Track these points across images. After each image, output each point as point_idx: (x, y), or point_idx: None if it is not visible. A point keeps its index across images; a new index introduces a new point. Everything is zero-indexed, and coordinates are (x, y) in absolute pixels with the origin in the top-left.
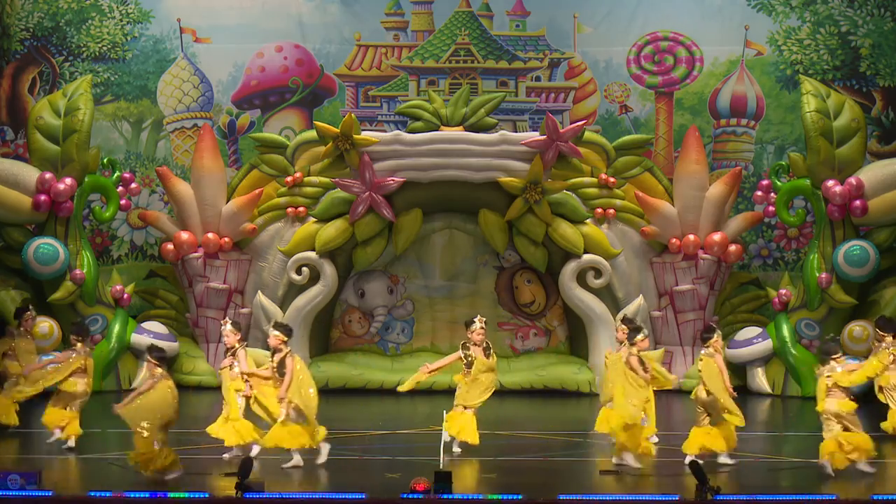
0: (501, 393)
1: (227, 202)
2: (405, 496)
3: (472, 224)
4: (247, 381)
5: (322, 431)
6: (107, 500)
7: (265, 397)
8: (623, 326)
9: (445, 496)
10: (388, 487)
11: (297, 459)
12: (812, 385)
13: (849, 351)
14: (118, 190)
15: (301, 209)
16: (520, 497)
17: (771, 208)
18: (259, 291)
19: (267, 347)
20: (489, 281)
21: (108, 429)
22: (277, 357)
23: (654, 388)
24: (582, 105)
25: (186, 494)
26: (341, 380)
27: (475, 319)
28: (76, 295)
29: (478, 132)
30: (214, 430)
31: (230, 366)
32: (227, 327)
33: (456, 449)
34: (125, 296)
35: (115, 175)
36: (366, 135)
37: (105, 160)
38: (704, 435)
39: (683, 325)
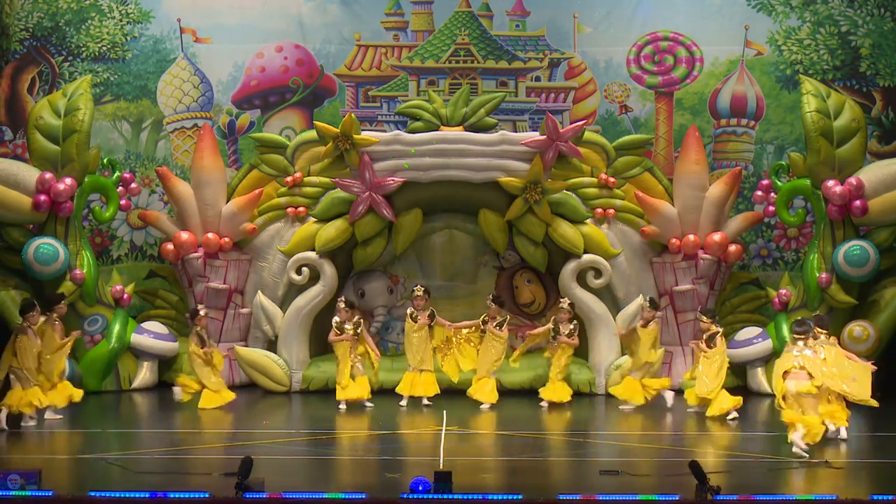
0: (501, 393)
1: (227, 202)
2: (405, 496)
3: (472, 224)
4: None
5: None
6: (107, 500)
7: None
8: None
9: (445, 496)
10: (388, 487)
11: None
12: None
13: (849, 351)
14: (118, 190)
15: (301, 209)
16: (520, 497)
17: (771, 208)
18: (259, 291)
19: (267, 347)
20: (489, 281)
21: (108, 429)
22: None
23: None
24: (582, 105)
25: (186, 494)
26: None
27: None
28: (76, 295)
29: (478, 132)
30: None
31: None
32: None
33: None
34: (125, 296)
35: (115, 175)
36: (366, 135)
37: (105, 160)
38: None
39: (683, 325)
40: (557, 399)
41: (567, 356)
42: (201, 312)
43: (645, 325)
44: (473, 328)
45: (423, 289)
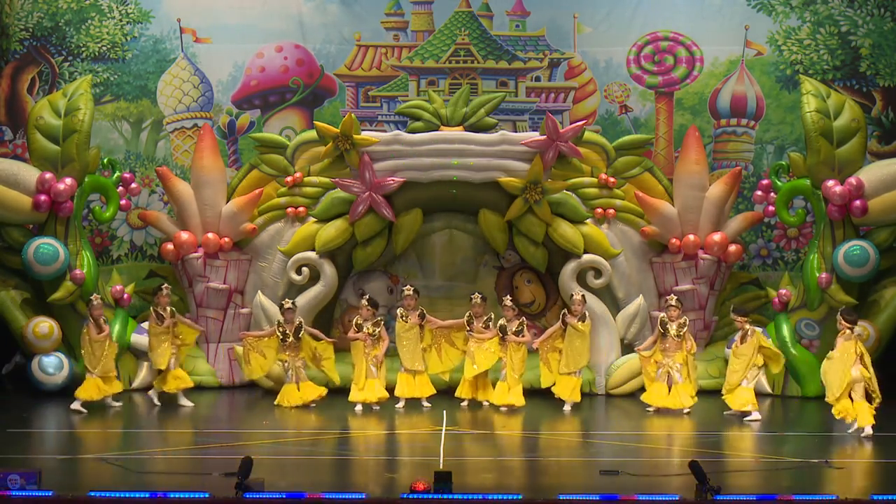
0: None
1: (227, 202)
2: (405, 496)
3: (472, 224)
4: None
5: None
6: (107, 500)
7: None
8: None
9: (445, 496)
10: (388, 487)
11: None
12: (812, 385)
13: None
14: (118, 190)
15: (301, 209)
16: (520, 497)
17: (771, 208)
18: (259, 291)
19: None
20: (489, 281)
21: (108, 429)
22: None
23: None
24: (582, 105)
25: (186, 494)
26: (342, 380)
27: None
28: (76, 295)
29: (478, 132)
30: None
31: None
32: None
33: None
34: (125, 296)
35: (115, 175)
36: (366, 135)
37: (105, 160)
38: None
39: None
40: (516, 403)
41: (520, 356)
42: (287, 306)
43: (583, 320)
44: (458, 328)
45: (412, 289)
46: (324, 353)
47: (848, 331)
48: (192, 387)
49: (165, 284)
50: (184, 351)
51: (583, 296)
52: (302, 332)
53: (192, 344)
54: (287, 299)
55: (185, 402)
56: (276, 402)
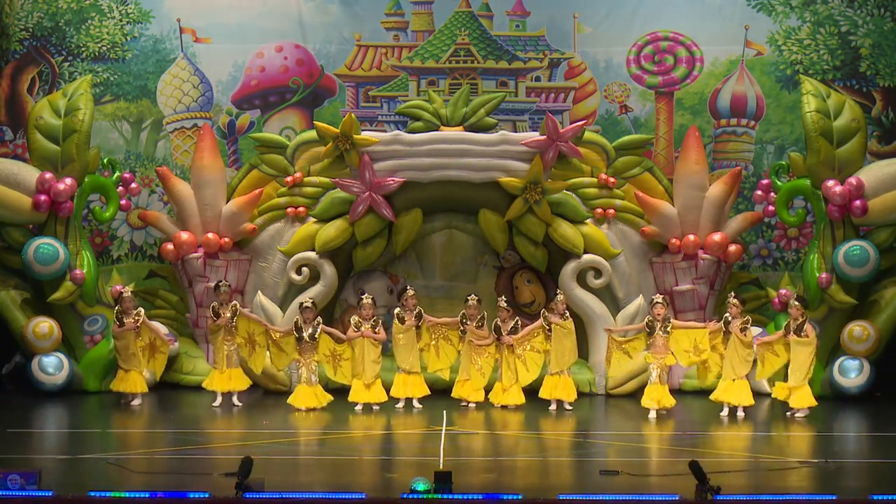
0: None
1: (227, 202)
2: (405, 496)
3: (472, 224)
4: None
5: None
6: (107, 500)
7: None
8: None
9: (445, 496)
10: (388, 487)
11: None
12: (812, 386)
13: (849, 351)
14: (118, 190)
15: (301, 209)
16: (520, 497)
17: (771, 208)
18: (259, 291)
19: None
20: (489, 281)
21: (108, 429)
22: None
23: None
24: (582, 105)
25: (186, 494)
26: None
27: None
28: (76, 295)
29: (478, 132)
30: None
31: None
32: None
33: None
34: None
35: (115, 175)
36: (366, 135)
37: (105, 160)
38: None
39: None
40: (515, 403)
41: (514, 357)
42: (306, 305)
43: (565, 318)
44: (453, 326)
45: (412, 290)
46: (343, 353)
47: (801, 317)
48: (246, 389)
49: (223, 281)
50: (260, 354)
51: (564, 296)
52: (319, 333)
53: (265, 346)
54: (307, 297)
55: (218, 401)
56: (288, 401)
